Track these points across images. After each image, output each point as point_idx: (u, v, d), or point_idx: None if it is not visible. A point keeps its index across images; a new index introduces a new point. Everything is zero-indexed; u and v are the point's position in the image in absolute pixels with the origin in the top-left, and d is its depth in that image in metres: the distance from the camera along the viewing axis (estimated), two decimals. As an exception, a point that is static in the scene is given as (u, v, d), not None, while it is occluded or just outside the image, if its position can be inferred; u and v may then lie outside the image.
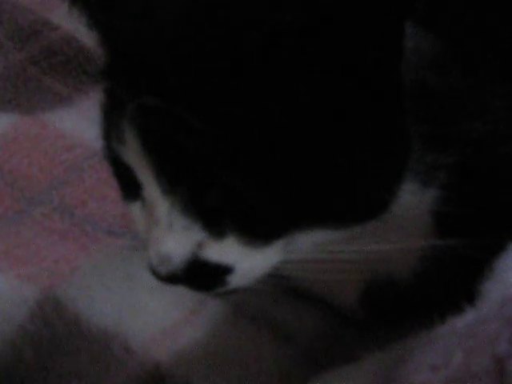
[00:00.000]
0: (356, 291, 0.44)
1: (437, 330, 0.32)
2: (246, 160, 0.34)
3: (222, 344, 0.44)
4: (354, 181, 0.36)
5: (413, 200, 0.39)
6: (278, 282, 0.46)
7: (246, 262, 0.37)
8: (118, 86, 0.37)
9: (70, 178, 0.54)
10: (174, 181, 0.35)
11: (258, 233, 0.36)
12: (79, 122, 0.59)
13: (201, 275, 0.37)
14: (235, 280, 0.38)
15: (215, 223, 0.36)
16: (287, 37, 0.33)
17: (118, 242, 0.48)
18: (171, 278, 0.37)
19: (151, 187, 0.36)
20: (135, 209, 0.40)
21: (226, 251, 0.36)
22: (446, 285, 0.41)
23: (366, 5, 0.33)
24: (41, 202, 0.51)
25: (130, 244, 0.48)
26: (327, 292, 0.46)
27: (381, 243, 0.39)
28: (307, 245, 0.38)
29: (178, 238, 0.36)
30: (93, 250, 0.47)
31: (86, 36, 0.68)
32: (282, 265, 0.39)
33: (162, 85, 0.34)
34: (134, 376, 0.43)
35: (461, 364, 0.27)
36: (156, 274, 0.37)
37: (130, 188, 0.39)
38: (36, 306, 0.43)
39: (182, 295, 0.45)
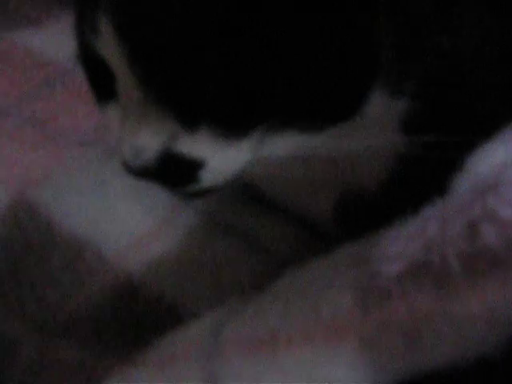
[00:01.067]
0: (329, 204, 0.44)
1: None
2: (227, 41, 0.33)
3: (195, 254, 0.44)
4: (324, 78, 0.36)
5: (382, 110, 0.39)
6: (252, 193, 0.47)
7: (218, 156, 0.37)
8: None
9: (41, 93, 0.53)
10: (148, 69, 0.35)
11: (230, 125, 0.36)
12: (50, 41, 0.58)
13: (173, 170, 0.37)
14: (207, 176, 0.37)
15: (189, 114, 0.36)
16: None
17: (90, 151, 0.47)
18: (143, 172, 0.37)
19: (125, 76, 0.35)
20: (109, 110, 0.39)
21: (199, 144, 0.36)
22: (415, 194, 0.42)
23: None
24: (10, 114, 0.50)
25: (103, 152, 0.47)
26: (301, 204, 0.46)
27: (350, 146, 0.40)
28: (279, 149, 0.38)
29: (150, 130, 0.35)
30: (65, 157, 0.46)
31: None
32: (256, 171, 0.39)
33: None
34: (108, 286, 0.43)
35: (436, 231, 0.28)
36: (128, 168, 0.37)
37: (105, 88, 0.39)
38: (7, 209, 0.42)
39: (156, 202, 0.45)
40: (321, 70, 0.36)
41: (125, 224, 0.44)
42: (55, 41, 0.58)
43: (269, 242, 0.46)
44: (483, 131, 0.37)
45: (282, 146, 0.38)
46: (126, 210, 0.44)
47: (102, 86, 0.39)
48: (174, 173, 0.37)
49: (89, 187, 0.45)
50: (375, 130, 0.40)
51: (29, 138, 0.48)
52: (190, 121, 0.36)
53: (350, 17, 0.36)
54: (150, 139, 0.36)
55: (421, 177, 0.41)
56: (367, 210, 0.43)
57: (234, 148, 0.37)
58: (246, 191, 0.47)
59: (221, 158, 0.37)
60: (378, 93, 0.39)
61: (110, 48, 0.35)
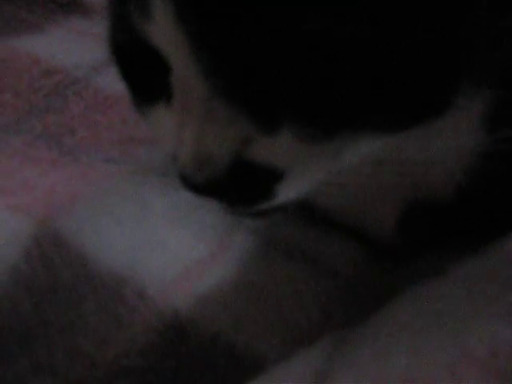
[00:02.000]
0: (393, 217, 0.39)
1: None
2: (310, 43, 0.27)
3: (253, 283, 0.38)
4: (417, 70, 0.31)
5: (465, 101, 0.34)
6: (309, 213, 0.41)
7: (300, 165, 0.31)
8: None
9: (52, 105, 0.46)
10: (217, 56, 0.28)
11: (316, 126, 0.30)
12: (54, 48, 0.52)
13: (245, 183, 0.30)
14: (285, 190, 0.31)
15: (267, 114, 0.29)
16: None
17: (120, 168, 0.40)
18: (208, 187, 0.30)
19: (186, 68, 0.28)
20: (156, 112, 0.32)
21: (279, 150, 0.30)
22: (495, 203, 0.37)
23: None
24: (20, 131, 0.43)
25: (135, 169, 0.40)
26: (362, 220, 0.41)
27: (432, 147, 0.35)
28: (362, 150, 0.33)
29: (218, 134, 0.29)
30: (92, 176, 0.39)
31: None
32: (322, 187, 0.34)
33: None
34: (150, 328, 0.36)
35: None
36: (190, 182, 0.30)
37: (150, 86, 0.32)
38: (31, 243, 0.34)
39: (205, 227, 0.39)
40: (414, 62, 0.30)
41: (170, 253, 0.37)
42: (60, 47, 0.52)
43: (333, 264, 0.40)
44: None
45: (362, 152, 0.33)
46: (171, 236, 0.37)
47: (147, 81, 0.32)
48: (245, 187, 0.30)
49: (124, 212, 0.37)
50: (459, 127, 0.36)
51: (45, 156, 0.41)
52: (268, 122, 0.29)
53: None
54: (217, 145, 0.29)
55: (506, 178, 0.36)
56: (440, 218, 0.39)
57: (316, 155, 0.30)
58: (300, 208, 0.41)
59: (302, 167, 0.31)
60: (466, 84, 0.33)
61: (166, 33, 0.28)
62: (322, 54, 0.28)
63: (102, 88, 0.48)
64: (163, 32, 0.28)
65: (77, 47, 0.53)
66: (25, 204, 0.36)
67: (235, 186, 0.30)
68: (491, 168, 0.36)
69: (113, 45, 0.34)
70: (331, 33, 0.27)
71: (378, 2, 0.28)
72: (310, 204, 0.41)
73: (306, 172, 0.31)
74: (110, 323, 0.36)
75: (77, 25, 0.57)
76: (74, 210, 0.36)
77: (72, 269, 0.35)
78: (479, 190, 0.37)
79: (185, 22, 0.27)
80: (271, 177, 0.30)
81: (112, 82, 0.37)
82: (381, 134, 0.32)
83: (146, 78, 0.32)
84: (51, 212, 0.36)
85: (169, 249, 0.37)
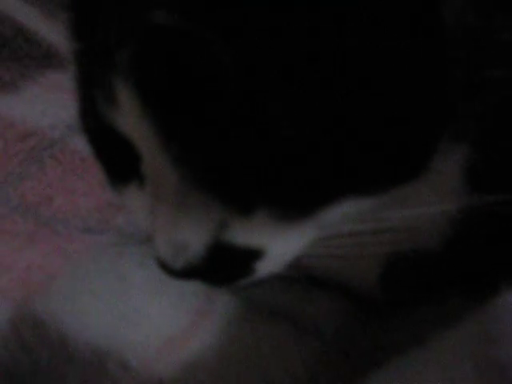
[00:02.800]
0: (375, 271, 0.39)
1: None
2: (290, 105, 0.27)
3: (238, 349, 0.37)
4: (394, 142, 0.31)
5: (446, 158, 0.34)
6: (290, 272, 0.41)
7: (279, 242, 0.30)
8: (106, 27, 0.28)
9: (28, 171, 0.45)
10: (186, 144, 0.27)
11: (292, 205, 0.29)
12: (30, 109, 0.51)
13: (224, 263, 0.30)
14: (265, 266, 0.31)
15: (241, 197, 0.29)
16: None
17: (98, 239, 0.40)
18: (188, 272, 0.30)
19: (156, 156, 0.28)
20: (130, 192, 0.32)
21: (256, 231, 0.30)
22: (483, 250, 0.37)
23: None
24: (-4, 201, 0.43)
25: (113, 240, 0.40)
26: (344, 275, 0.41)
27: (413, 208, 0.35)
28: (340, 218, 0.32)
29: (194, 220, 0.29)
30: (70, 251, 0.38)
31: (24, 15, 0.61)
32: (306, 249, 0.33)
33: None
34: None
35: None
36: (168, 268, 0.29)
37: (122, 168, 0.32)
38: (10, 328, 0.34)
39: (185, 294, 0.38)
40: (389, 130, 0.30)
41: (151, 324, 0.37)
42: (36, 107, 0.52)
43: (318, 323, 0.40)
44: None
45: (344, 218, 0.32)
46: (151, 307, 0.37)
47: (118, 163, 0.32)
48: (225, 267, 0.30)
49: (104, 286, 0.37)
50: (440, 187, 0.36)
51: (21, 230, 0.40)
52: (243, 205, 0.29)
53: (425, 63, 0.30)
54: (193, 232, 0.29)
55: (493, 231, 0.36)
56: (425, 270, 0.38)
57: (295, 230, 0.30)
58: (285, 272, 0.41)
59: (281, 244, 0.31)
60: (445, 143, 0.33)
61: (132, 122, 0.28)
62: (293, 144, 0.28)
63: (78, 150, 0.47)
64: (129, 120, 0.28)
65: (53, 106, 0.52)
66: (1, 287, 0.35)
67: (214, 267, 0.30)
68: (476, 221, 0.36)
69: (81, 123, 0.33)
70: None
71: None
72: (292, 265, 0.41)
73: (286, 247, 0.31)
74: None
75: (52, 80, 0.57)
76: (51, 290, 0.36)
77: (52, 350, 0.34)
78: (465, 241, 0.37)
79: (151, 109, 0.27)
80: (250, 256, 0.30)
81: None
82: (361, 199, 0.32)
83: (117, 159, 0.31)
84: (28, 294, 0.35)
85: (150, 320, 0.37)
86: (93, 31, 0.29)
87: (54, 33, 0.61)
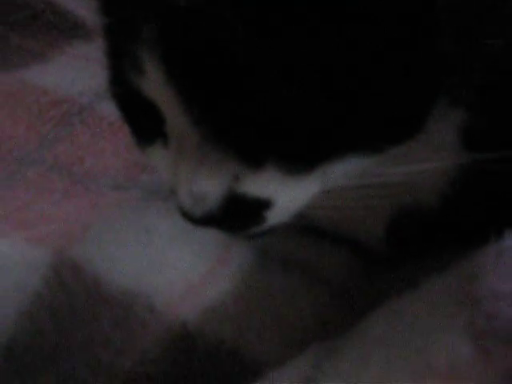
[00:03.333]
0: (382, 225, 0.42)
1: (501, 243, 0.29)
2: (287, 85, 0.30)
3: (252, 293, 0.41)
4: (392, 100, 0.33)
5: (441, 118, 0.37)
6: (301, 224, 0.44)
7: (286, 194, 0.34)
8: (133, 4, 0.32)
9: (60, 134, 0.49)
10: (204, 109, 0.31)
11: (297, 160, 0.33)
12: (60, 77, 0.55)
13: (238, 212, 0.34)
14: (274, 216, 0.35)
15: (252, 153, 0.33)
16: None
17: (127, 195, 0.44)
18: (207, 219, 0.33)
19: (178, 118, 0.32)
20: (155, 150, 0.36)
21: (265, 183, 0.33)
22: (480, 207, 0.39)
23: None
24: (33, 162, 0.47)
25: (140, 196, 0.44)
26: (352, 229, 0.44)
27: (412, 165, 0.37)
28: (342, 173, 0.36)
29: (212, 173, 0.32)
30: (101, 205, 0.42)
31: None
32: (313, 201, 0.36)
33: None
34: (161, 338, 0.39)
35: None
36: (189, 216, 0.33)
37: (148, 128, 0.35)
38: (51, 270, 0.38)
39: (206, 244, 0.42)
40: (388, 92, 0.33)
41: (175, 271, 0.41)
42: (65, 75, 0.56)
43: (327, 272, 0.43)
44: None
45: (346, 174, 0.36)
46: (175, 255, 0.41)
47: (144, 125, 0.35)
48: (238, 216, 0.34)
49: (132, 236, 0.41)
50: (436, 146, 0.38)
51: (58, 187, 0.45)
52: (254, 160, 0.33)
53: (412, 32, 0.33)
54: (211, 184, 0.32)
55: (489, 189, 0.38)
56: (427, 226, 0.41)
57: (301, 183, 0.34)
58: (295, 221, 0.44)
59: (288, 196, 0.34)
60: (439, 105, 0.36)
61: (158, 88, 0.32)
62: (296, 100, 0.31)
63: (106, 115, 0.51)
64: (155, 86, 0.32)
65: (81, 74, 0.56)
66: (42, 236, 0.39)
67: (229, 215, 0.34)
68: (476, 179, 0.38)
69: (111, 90, 0.37)
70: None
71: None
72: (302, 216, 0.44)
73: (292, 199, 0.34)
74: (125, 336, 0.39)
75: (80, 50, 0.60)
76: (85, 239, 0.40)
77: (87, 291, 0.39)
78: (463, 199, 0.39)
79: (174, 77, 0.31)
80: (261, 205, 0.34)
81: (115, 108, 0.40)
82: (361, 157, 0.35)
83: (143, 121, 0.35)
84: (66, 242, 0.39)
85: (173, 267, 0.41)
86: (120, 8, 0.33)
87: (80, 6, 0.64)
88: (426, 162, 0.38)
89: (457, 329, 0.27)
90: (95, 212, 0.42)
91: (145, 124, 0.35)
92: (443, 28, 0.35)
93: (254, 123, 0.31)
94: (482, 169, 0.37)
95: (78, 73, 0.56)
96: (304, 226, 0.44)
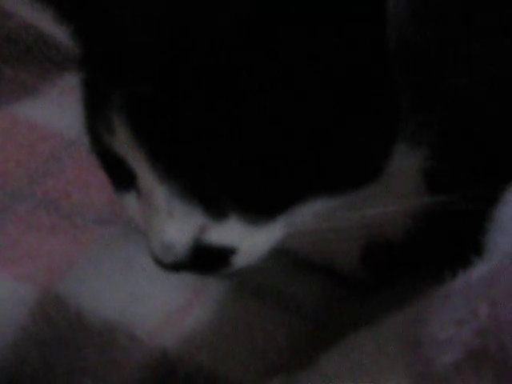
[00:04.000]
0: (355, 252, 0.44)
1: (451, 285, 0.31)
2: (244, 139, 0.33)
3: (228, 322, 0.44)
4: (350, 149, 0.36)
5: (403, 160, 0.39)
6: (276, 254, 0.46)
7: (250, 241, 0.37)
8: (100, 76, 0.35)
9: (49, 169, 0.52)
10: (170, 167, 0.34)
11: (259, 211, 0.36)
12: (50, 111, 0.57)
13: (205, 259, 0.37)
14: (239, 260, 0.38)
15: (216, 205, 0.35)
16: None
17: (109, 230, 0.47)
18: (176, 266, 0.36)
19: (147, 176, 0.35)
20: (129, 199, 0.39)
21: (229, 232, 0.36)
22: (444, 240, 0.41)
23: None
24: (23, 198, 0.49)
25: (122, 230, 0.46)
26: (327, 257, 0.46)
27: (375, 207, 0.39)
28: (307, 216, 0.38)
29: (179, 225, 0.35)
30: (85, 240, 0.45)
31: (43, 21, 0.66)
32: (282, 238, 0.39)
33: (152, 72, 0.33)
34: (143, 365, 0.42)
35: (488, 315, 0.27)
36: (160, 263, 0.36)
37: (122, 179, 0.38)
38: (36, 306, 0.41)
39: (183, 277, 0.44)
40: (350, 140, 0.35)
41: (155, 302, 0.44)
42: (56, 109, 0.58)
43: (301, 300, 0.45)
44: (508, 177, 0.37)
45: (309, 217, 0.38)
46: (154, 287, 0.44)
47: (120, 178, 0.38)
48: (206, 261, 0.37)
49: (114, 269, 0.44)
50: (400, 186, 0.40)
51: (45, 222, 0.47)
52: (218, 212, 0.35)
53: (369, 81, 0.35)
54: (179, 234, 0.35)
55: (449, 226, 0.40)
56: (394, 257, 0.43)
57: (265, 229, 0.36)
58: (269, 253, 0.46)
59: (253, 242, 0.37)
60: (399, 147, 0.38)
61: (127, 149, 0.35)
62: (257, 151, 0.34)
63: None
64: (124, 146, 0.35)
65: (70, 107, 0.58)
66: (29, 273, 0.43)
67: (197, 261, 0.37)
68: (436, 217, 0.40)
69: (89, 139, 0.40)
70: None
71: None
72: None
73: (257, 244, 0.37)
74: (108, 364, 0.41)
75: (71, 82, 0.63)
76: (70, 275, 0.43)
77: (71, 323, 0.41)
78: (425, 235, 0.41)
79: (141, 139, 0.34)
80: (226, 252, 0.37)
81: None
82: (323, 200, 0.37)
83: (117, 173, 0.38)
84: (51, 278, 0.43)
85: (151, 298, 0.43)
86: (94, 68, 0.36)
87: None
88: (390, 201, 0.40)
89: (399, 370, 0.29)
90: (80, 247, 0.45)
91: (118, 175, 0.38)
92: (401, 69, 0.37)
93: (216, 178, 0.34)
94: (441, 208, 0.39)
95: (67, 106, 0.58)
96: (277, 252, 0.47)
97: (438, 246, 0.41)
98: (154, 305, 0.43)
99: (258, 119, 0.34)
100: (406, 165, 0.39)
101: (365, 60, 0.35)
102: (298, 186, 0.35)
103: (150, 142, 0.34)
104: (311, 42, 0.33)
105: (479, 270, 0.31)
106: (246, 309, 0.44)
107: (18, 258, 0.44)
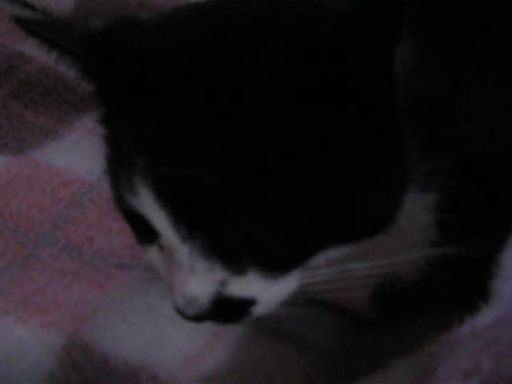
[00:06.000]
0: (366, 293, 0.45)
1: (458, 333, 0.33)
2: (258, 206, 0.35)
3: (246, 362, 0.45)
4: (359, 201, 0.38)
5: (414, 207, 0.41)
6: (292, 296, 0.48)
7: (268, 292, 0.39)
8: (124, 143, 0.37)
9: (71, 215, 0.54)
10: (191, 227, 0.36)
11: (276, 266, 0.38)
12: (71, 156, 0.59)
13: (226, 310, 0.39)
14: (258, 310, 0.39)
15: (235, 261, 0.38)
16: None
17: (131, 275, 0.49)
18: (199, 318, 0.38)
19: (169, 235, 0.37)
20: (152, 252, 0.41)
21: (248, 285, 0.38)
22: (454, 284, 0.43)
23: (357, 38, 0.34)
24: (47, 244, 0.51)
25: (143, 276, 0.48)
26: (340, 298, 0.47)
27: (388, 254, 0.41)
28: (321, 263, 0.40)
29: (201, 280, 0.37)
30: (108, 286, 0.48)
31: (62, 65, 0.68)
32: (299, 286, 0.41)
33: (177, 152, 0.35)
34: None
35: (491, 369, 0.29)
36: (183, 314, 0.38)
37: (145, 234, 0.40)
38: (63, 353, 0.43)
39: (203, 322, 0.46)
40: (360, 193, 0.37)
41: (176, 344, 0.45)
42: (75, 153, 0.60)
43: (316, 339, 0.47)
44: None
45: (323, 263, 0.40)
46: (175, 331, 0.46)
47: (143, 232, 0.40)
48: (227, 313, 0.39)
49: (136, 315, 0.46)
50: (411, 234, 0.42)
51: (69, 268, 0.49)
52: (237, 267, 0.38)
53: (378, 134, 0.37)
54: (201, 289, 0.37)
55: (457, 270, 0.42)
56: (408, 297, 0.45)
57: (282, 281, 0.38)
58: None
59: (271, 293, 0.39)
60: (409, 195, 0.40)
61: (150, 210, 0.37)
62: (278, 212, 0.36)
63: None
64: (146, 208, 0.37)
65: (89, 150, 0.60)
66: (55, 320, 0.45)
67: (218, 313, 0.39)
68: (447, 261, 0.42)
69: (114, 197, 0.42)
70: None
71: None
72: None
73: (275, 294, 0.39)
74: None
75: (89, 124, 0.64)
76: (94, 321, 0.45)
77: (97, 368, 0.43)
78: (439, 275, 0.43)
79: (163, 202, 0.36)
80: (246, 303, 0.39)
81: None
82: (337, 248, 0.38)
83: (141, 227, 0.40)
84: (76, 325, 0.45)
85: (173, 341, 0.45)
86: (116, 138, 0.38)
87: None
88: (402, 248, 0.41)
89: None
90: (103, 293, 0.47)
91: (142, 230, 0.40)
92: (408, 118, 0.38)
93: (235, 239, 0.37)
94: (455, 253, 0.40)
95: (86, 150, 0.60)
96: (294, 294, 0.48)
97: (446, 290, 0.43)
98: (175, 347, 0.45)
99: (279, 189, 0.36)
100: (417, 212, 0.41)
101: (375, 125, 0.37)
102: (315, 242, 0.38)
103: (173, 205, 0.36)
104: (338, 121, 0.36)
105: (485, 317, 0.32)
106: (263, 350, 0.46)
107: (45, 306, 0.46)
